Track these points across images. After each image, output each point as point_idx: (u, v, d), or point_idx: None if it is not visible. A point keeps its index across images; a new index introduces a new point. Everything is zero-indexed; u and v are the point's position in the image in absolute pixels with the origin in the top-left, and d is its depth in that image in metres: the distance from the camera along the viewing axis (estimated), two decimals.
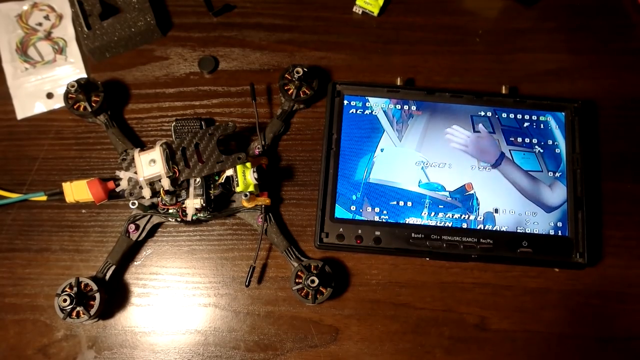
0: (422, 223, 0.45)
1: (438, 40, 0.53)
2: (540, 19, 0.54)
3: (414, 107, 0.48)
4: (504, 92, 0.49)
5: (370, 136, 0.47)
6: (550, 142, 0.47)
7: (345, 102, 0.48)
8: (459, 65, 0.52)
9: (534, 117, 0.48)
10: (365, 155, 0.47)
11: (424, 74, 0.51)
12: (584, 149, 0.47)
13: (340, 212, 0.46)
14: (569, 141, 0.47)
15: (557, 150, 0.47)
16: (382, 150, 0.47)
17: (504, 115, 0.48)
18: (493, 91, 0.49)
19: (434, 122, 0.48)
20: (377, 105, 0.48)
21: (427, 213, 0.45)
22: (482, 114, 0.48)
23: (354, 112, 0.48)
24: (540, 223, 0.45)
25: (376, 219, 0.45)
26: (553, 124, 0.48)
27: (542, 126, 0.48)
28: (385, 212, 0.45)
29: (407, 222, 0.45)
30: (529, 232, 0.45)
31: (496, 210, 0.46)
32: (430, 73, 0.51)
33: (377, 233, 0.45)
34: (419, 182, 0.46)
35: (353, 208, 0.46)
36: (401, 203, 0.46)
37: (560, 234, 0.45)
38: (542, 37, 0.53)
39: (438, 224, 0.45)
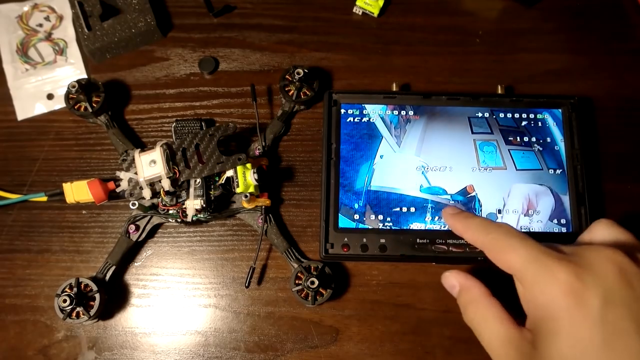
0: (426, 228, 0.45)
1: (438, 41, 0.53)
2: (540, 20, 0.54)
3: (411, 112, 0.48)
4: (500, 92, 0.49)
5: (369, 143, 0.47)
6: (548, 139, 0.47)
7: (343, 110, 0.48)
8: (459, 66, 0.52)
9: (531, 116, 0.48)
10: (365, 163, 0.47)
11: (424, 75, 0.51)
12: (584, 145, 0.47)
13: (343, 222, 0.45)
14: (567, 137, 0.47)
15: (556, 148, 0.47)
16: (381, 156, 0.47)
17: (502, 115, 0.48)
18: (491, 92, 0.49)
19: (432, 126, 0.48)
20: (375, 112, 0.48)
21: (430, 217, 0.45)
22: (480, 115, 0.48)
23: (352, 120, 0.48)
24: (544, 221, 0.45)
25: (380, 226, 0.45)
26: (550, 121, 0.48)
27: (539, 124, 0.48)
28: (388, 219, 0.45)
29: (411, 227, 0.45)
30: (532, 231, 0.45)
31: (499, 211, 0.45)
32: (430, 74, 0.51)
33: (382, 241, 0.44)
34: (420, 187, 0.46)
35: (356, 217, 0.45)
36: (404, 209, 0.46)
37: (564, 230, 0.45)
38: (543, 38, 0.53)
39: (442, 228, 0.45)
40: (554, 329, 0.26)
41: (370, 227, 0.45)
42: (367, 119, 0.48)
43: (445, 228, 0.45)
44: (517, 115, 0.48)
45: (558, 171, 0.47)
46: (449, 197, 0.46)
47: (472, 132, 0.48)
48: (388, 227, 0.45)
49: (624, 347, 0.25)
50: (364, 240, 0.45)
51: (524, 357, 0.27)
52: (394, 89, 0.49)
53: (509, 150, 0.47)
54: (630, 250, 0.29)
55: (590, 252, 0.28)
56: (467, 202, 0.46)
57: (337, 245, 0.45)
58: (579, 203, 0.45)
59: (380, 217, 0.45)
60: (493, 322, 0.29)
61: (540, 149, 0.47)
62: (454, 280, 0.34)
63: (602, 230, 0.32)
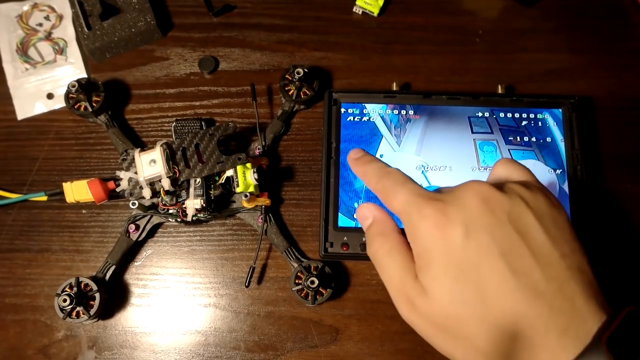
0: None
1: (438, 41, 0.53)
2: (540, 19, 0.54)
3: (411, 112, 0.48)
4: (500, 91, 0.49)
5: (369, 142, 0.47)
6: (549, 139, 0.47)
7: (343, 109, 0.48)
8: (459, 66, 0.52)
9: (532, 115, 0.48)
10: None
11: (424, 74, 0.51)
12: (584, 145, 0.47)
13: (343, 221, 0.45)
14: (567, 138, 0.47)
15: (556, 148, 0.47)
16: (381, 156, 0.47)
17: (502, 115, 0.48)
18: (491, 91, 0.49)
19: (432, 125, 0.48)
20: (375, 111, 0.48)
21: None
22: (480, 114, 0.48)
23: (352, 119, 0.48)
24: None
25: None
26: (551, 121, 0.48)
27: (540, 124, 0.48)
28: None
29: None
30: None
31: None
32: (430, 73, 0.51)
33: None
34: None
35: (356, 216, 0.45)
36: None
37: None
38: (543, 37, 0.53)
39: None
40: (427, 261, 0.28)
41: None
42: (367, 118, 0.48)
43: None
44: (517, 115, 0.48)
45: (558, 171, 0.47)
46: None
47: (472, 132, 0.48)
48: None
49: (488, 269, 0.26)
50: (364, 239, 0.45)
51: (413, 289, 0.28)
52: (394, 88, 0.49)
53: (509, 150, 0.47)
54: (508, 183, 0.29)
55: (459, 188, 0.29)
56: None
57: (337, 244, 0.45)
58: (579, 203, 0.45)
59: None
60: (397, 257, 0.30)
61: (540, 148, 0.47)
62: (369, 213, 0.33)
63: (498, 169, 0.33)
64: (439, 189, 0.31)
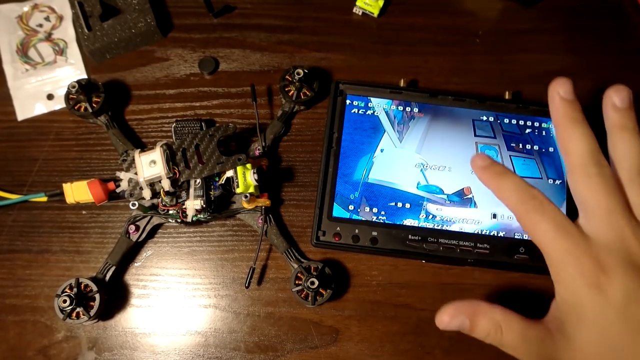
0: (419, 225, 0.45)
1: (438, 41, 0.53)
2: (540, 20, 0.54)
3: (416, 109, 0.48)
4: (507, 97, 0.49)
5: (371, 136, 0.47)
6: (551, 149, 0.47)
7: (348, 101, 0.48)
8: (459, 66, 0.52)
9: (536, 124, 0.48)
10: (365, 155, 0.47)
11: (424, 75, 0.51)
12: None
13: (338, 211, 0.46)
14: None
15: (558, 159, 0.47)
16: (382, 150, 0.47)
17: (506, 120, 0.48)
18: (495, 94, 0.49)
19: (436, 125, 0.48)
20: (379, 105, 0.48)
21: (424, 215, 0.45)
22: (484, 118, 0.48)
23: (356, 112, 0.48)
24: None
25: (373, 219, 0.45)
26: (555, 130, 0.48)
27: (543, 133, 0.48)
28: (383, 212, 0.45)
29: (404, 223, 0.45)
30: (526, 238, 0.45)
31: (494, 216, 0.45)
32: (430, 74, 0.51)
33: (374, 233, 0.45)
34: (418, 184, 0.46)
35: (351, 207, 0.46)
36: (399, 204, 0.46)
37: None
38: (543, 38, 0.53)
39: (435, 227, 0.45)
40: (579, 316, 0.27)
41: (363, 219, 0.45)
42: (372, 112, 0.48)
43: (438, 227, 0.45)
44: (521, 122, 0.48)
45: (557, 181, 0.46)
46: (445, 196, 0.46)
47: (475, 135, 0.48)
48: (381, 221, 0.45)
49: (636, 345, 0.26)
50: (356, 231, 0.45)
51: (547, 349, 0.28)
52: (401, 84, 0.49)
53: (510, 156, 0.47)
54: None
55: (610, 232, 0.28)
56: (462, 203, 0.46)
57: (329, 234, 0.45)
58: (572, 216, 0.45)
59: (375, 210, 0.45)
60: (524, 333, 0.30)
61: (542, 157, 0.47)
62: (460, 315, 0.33)
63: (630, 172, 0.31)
64: (579, 224, 0.29)
